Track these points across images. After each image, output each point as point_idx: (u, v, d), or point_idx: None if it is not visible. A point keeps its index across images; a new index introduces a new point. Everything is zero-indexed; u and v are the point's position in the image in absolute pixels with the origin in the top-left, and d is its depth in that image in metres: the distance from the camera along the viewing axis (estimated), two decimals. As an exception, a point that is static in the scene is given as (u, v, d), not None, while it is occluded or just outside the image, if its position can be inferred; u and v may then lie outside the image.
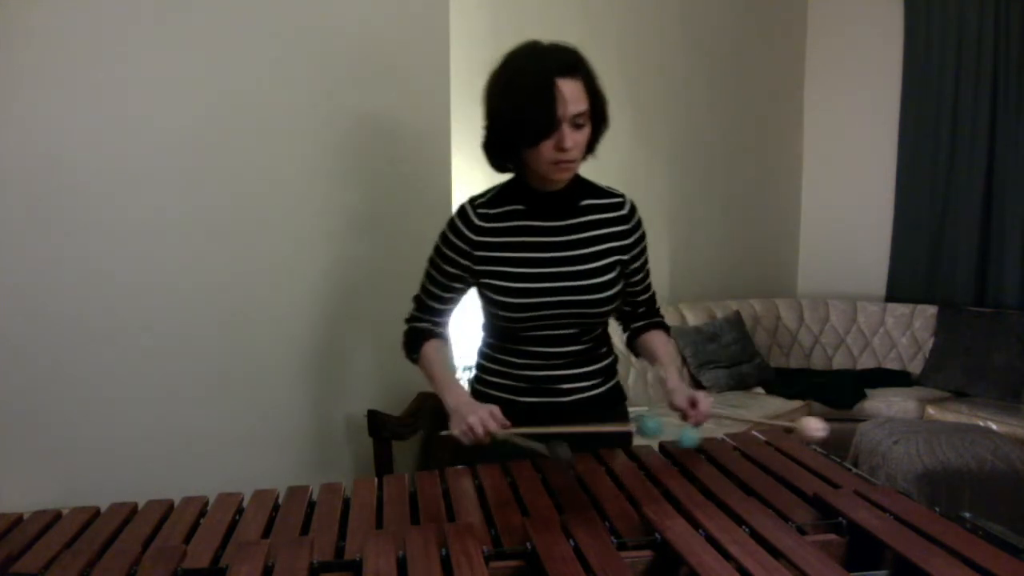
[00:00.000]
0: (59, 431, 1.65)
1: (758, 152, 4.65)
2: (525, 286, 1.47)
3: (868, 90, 4.56)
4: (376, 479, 1.36)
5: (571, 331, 1.52)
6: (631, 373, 3.75)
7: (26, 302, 1.59)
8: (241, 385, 1.94)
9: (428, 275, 1.58)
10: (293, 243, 2.02)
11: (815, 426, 1.38)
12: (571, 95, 1.36)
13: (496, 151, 1.48)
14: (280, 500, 1.30)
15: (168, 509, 1.28)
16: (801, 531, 1.10)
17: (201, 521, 1.23)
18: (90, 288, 1.67)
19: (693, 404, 1.40)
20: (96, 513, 1.27)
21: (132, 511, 1.27)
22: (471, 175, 3.09)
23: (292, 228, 2.01)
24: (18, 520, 1.24)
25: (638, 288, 1.62)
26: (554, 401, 1.55)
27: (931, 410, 3.67)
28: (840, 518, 1.11)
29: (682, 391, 1.42)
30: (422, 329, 1.59)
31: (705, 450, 1.47)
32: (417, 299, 1.62)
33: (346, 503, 1.27)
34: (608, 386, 1.61)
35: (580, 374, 1.56)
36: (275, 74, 1.95)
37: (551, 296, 1.47)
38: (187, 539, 1.16)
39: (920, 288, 4.37)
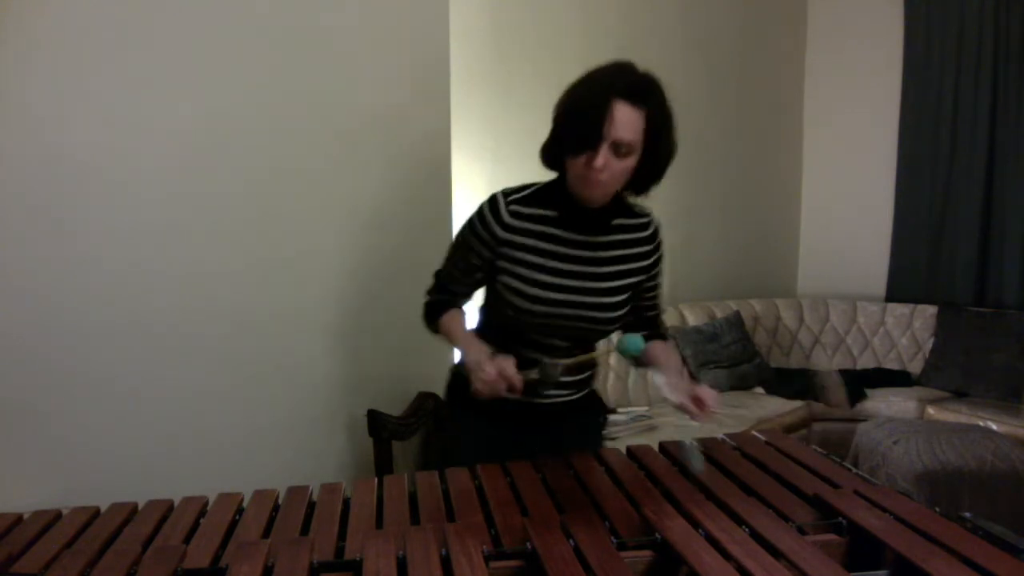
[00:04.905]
0: (59, 431, 1.65)
1: (758, 152, 4.65)
2: (539, 293, 1.47)
3: (868, 90, 4.55)
4: (376, 479, 1.36)
5: (566, 344, 1.53)
6: (631, 374, 3.75)
7: (27, 302, 1.59)
8: (241, 385, 1.94)
9: (451, 257, 1.59)
10: (292, 244, 2.01)
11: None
12: (623, 120, 1.34)
13: (548, 151, 1.48)
14: (280, 500, 1.30)
15: (168, 509, 1.28)
16: (801, 531, 1.10)
17: (201, 521, 1.23)
18: (90, 287, 1.67)
19: (699, 403, 1.35)
20: (96, 513, 1.27)
21: (132, 511, 1.27)
22: (471, 175, 3.10)
23: (291, 230, 2.01)
24: (18, 520, 1.24)
25: (647, 304, 1.62)
26: (532, 402, 1.54)
27: (931, 410, 3.67)
28: (840, 518, 1.12)
29: (681, 389, 1.38)
30: (440, 301, 1.60)
31: (705, 450, 1.47)
32: (437, 276, 1.62)
33: (346, 503, 1.27)
34: (583, 393, 1.64)
35: (561, 382, 1.53)
36: (275, 74, 1.95)
37: (561, 308, 1.48)
38: (187, 539, 1.16)
39: (920, 288, 4.36)
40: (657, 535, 1.07)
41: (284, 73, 1.97)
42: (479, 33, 3.21)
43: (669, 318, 4.03)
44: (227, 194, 1.88)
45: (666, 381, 1.45)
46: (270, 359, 1.99)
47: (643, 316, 1.63)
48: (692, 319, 4.09)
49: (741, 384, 3.91)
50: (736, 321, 4.13)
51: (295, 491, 1.32)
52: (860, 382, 3.97)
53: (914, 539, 1.03)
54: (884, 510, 1.12)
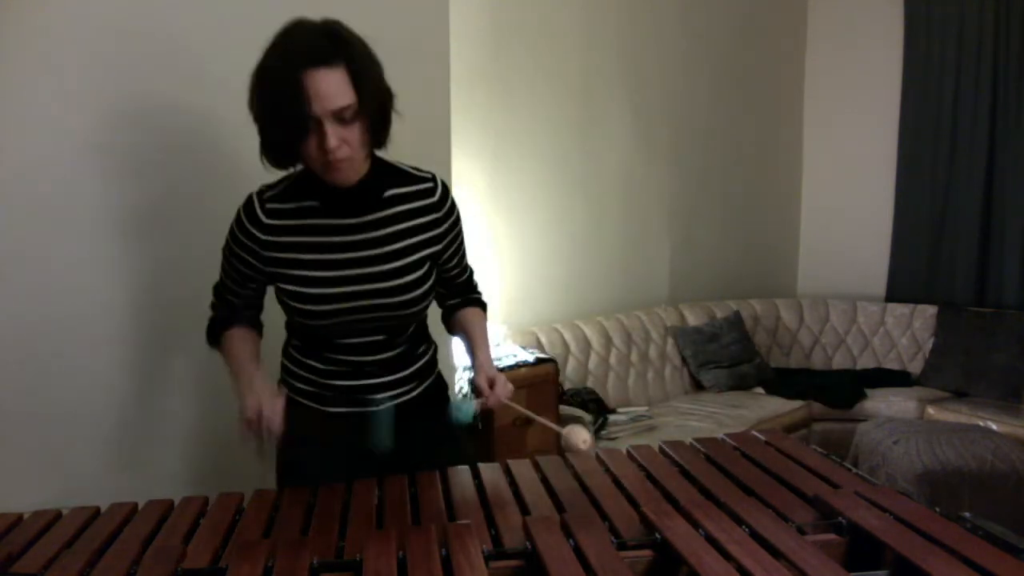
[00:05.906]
0: (59, 431, 1.65)
1: (758, 152, 4.66)
2: (321, 291, 1.34)
3: (868, 90, 4.56)
4: (376, 479, 1.36)
5: (379, 337, 1.41)
6: (631, 373, 3.75)
7: (26, 302, 1.59)
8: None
9: (223, 268, 1.43)
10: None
11: (582, 437, 1.31)
12: (328, 89, 1.19)
13: (271, 150, 1.29)
14: (280, 500, 1.30)
15: (168, 509, 1.28)
16: (801, 531, 1.10)
17: (201, 521, 1.23)
18: (90, 287, 1.67)
19: (491, 385, 1.37)
20: (96, 513, 1.27)
21: (132, 511, 1.27)
22: (471, 175, 3.10)
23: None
24: (18, 520, 1.24)
25: (454, 272, 1.50)
26: (367, 410, 1.43)
27: (931, 410, 3.67)
28: (840, 518, 1.12)
29: (484, 370, 1.39)
30: (221, 317, 1.46)
31: (705, 450, 1.47)
32: (216, 290, 1.46)
33: (346, 503, 1.27)
34: (425, 386, 1.51)
35: (392, 381, 1.45)
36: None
37: (351, 301, 1.35)
38: (187, 539, 1.16)
39: (920, 288, 4.37)
40: (657, 535, 1.07)
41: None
42: (479, 33, 3.22)
43: (669, 318, 4.03)
44: (226, 193, 1.87)
45: (478, 359, 1.43)
46: (271, 357, 1.99)
47: (453, 284, 1.53)
48: (692, 319, 4.10)
49: (741, 384, 3.92)
50: (736, 321, 4.14)
51: (295, 491, 1.32)
52: (860, 382, 3.98)
53: (914, 539, 1.03)
54: (884, 510, 1.12)
